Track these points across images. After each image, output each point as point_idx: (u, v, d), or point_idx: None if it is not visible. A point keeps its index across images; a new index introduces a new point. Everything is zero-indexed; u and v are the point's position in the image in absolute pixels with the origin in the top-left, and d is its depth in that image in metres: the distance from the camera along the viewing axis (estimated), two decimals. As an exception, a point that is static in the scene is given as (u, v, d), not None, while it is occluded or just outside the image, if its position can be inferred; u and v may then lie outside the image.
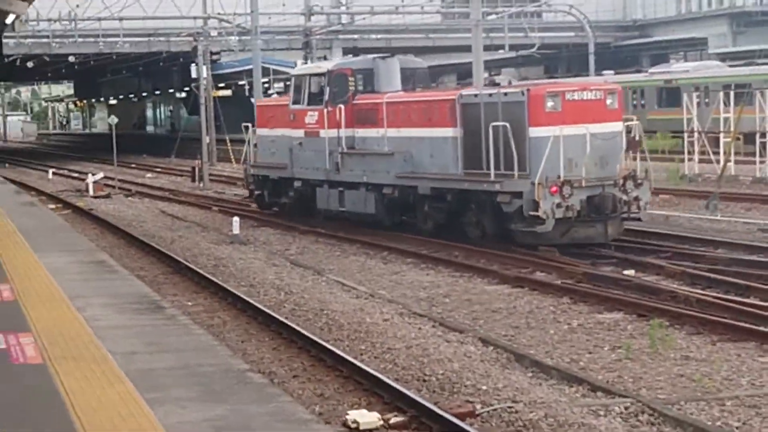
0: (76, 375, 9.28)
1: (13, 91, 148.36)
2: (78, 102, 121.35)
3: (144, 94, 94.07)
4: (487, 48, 52.09)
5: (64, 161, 66.85)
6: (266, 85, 62.95)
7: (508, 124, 21.59)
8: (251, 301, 17.20)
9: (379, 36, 67.54)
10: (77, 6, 57.34)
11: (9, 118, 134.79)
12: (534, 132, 21.45)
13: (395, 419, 10.69)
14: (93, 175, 42.90)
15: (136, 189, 42.40)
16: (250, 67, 54.88)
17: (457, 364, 12.96)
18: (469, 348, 14.09)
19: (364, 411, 10.85)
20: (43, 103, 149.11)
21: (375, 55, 27.87)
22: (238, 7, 56.40)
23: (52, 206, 34.10)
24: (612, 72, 58.14)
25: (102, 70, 78.05)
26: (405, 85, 26.66)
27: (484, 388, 11.91)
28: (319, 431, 7.89)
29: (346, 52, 67.59)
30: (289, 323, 15.27)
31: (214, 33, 57.47)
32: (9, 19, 19.77)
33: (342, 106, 26.33)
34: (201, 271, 20.42)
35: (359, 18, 64.45)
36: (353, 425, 10.48)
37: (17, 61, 62.78)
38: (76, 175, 51.91)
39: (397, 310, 16.77)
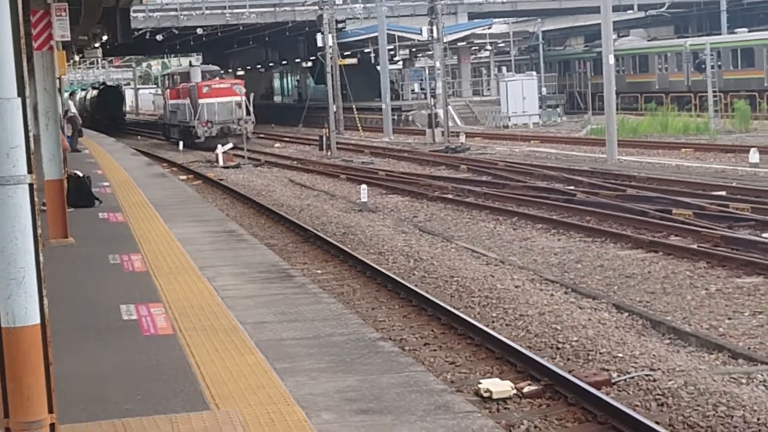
0: (206, 346, 9.24)
1: (144, 64, 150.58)
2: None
3: (271, 64, 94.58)
4: (615, 9, 51.18)
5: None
6: (392, 52, 62.82)
7: (193, 98, 50.99)
8: (380, 268, 17.05)
9: (504, 0, 66.83)
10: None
11: (140, 92, 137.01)
12: (199, 102, 50.17)
13: (529, 388, 10.44)
14: (222, 145, 43.29)
15: (264, 159, 42.71)
16: (376, 34, 54.77)
17: (592, 331, 12.66)
18: (603, 315, 13.77)
19: (497, 380, 10.63)
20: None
21: (189, 66, 57.94)
22: (363, -25, 56.29)
23: (183, 177, 34.48)
24: (746, 30, 56.69)
25: (229, 41, 78.63)
26: (205, 79, 52.23)
27: (620, 355, 11.59)
28: (452, 402, 7.68)
29: (471, 17, 67.09)
30: (419, 290, 15.09)
31: (339, 1, 57.55)
32: (136, -8, 19.90)
33: (171, 89, 56.56)
34: (330, 239, 20.36)
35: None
36: (486, 394, 10.26)
37: (147, 35, 63.73)
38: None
39: (528, 277, 16.50)
